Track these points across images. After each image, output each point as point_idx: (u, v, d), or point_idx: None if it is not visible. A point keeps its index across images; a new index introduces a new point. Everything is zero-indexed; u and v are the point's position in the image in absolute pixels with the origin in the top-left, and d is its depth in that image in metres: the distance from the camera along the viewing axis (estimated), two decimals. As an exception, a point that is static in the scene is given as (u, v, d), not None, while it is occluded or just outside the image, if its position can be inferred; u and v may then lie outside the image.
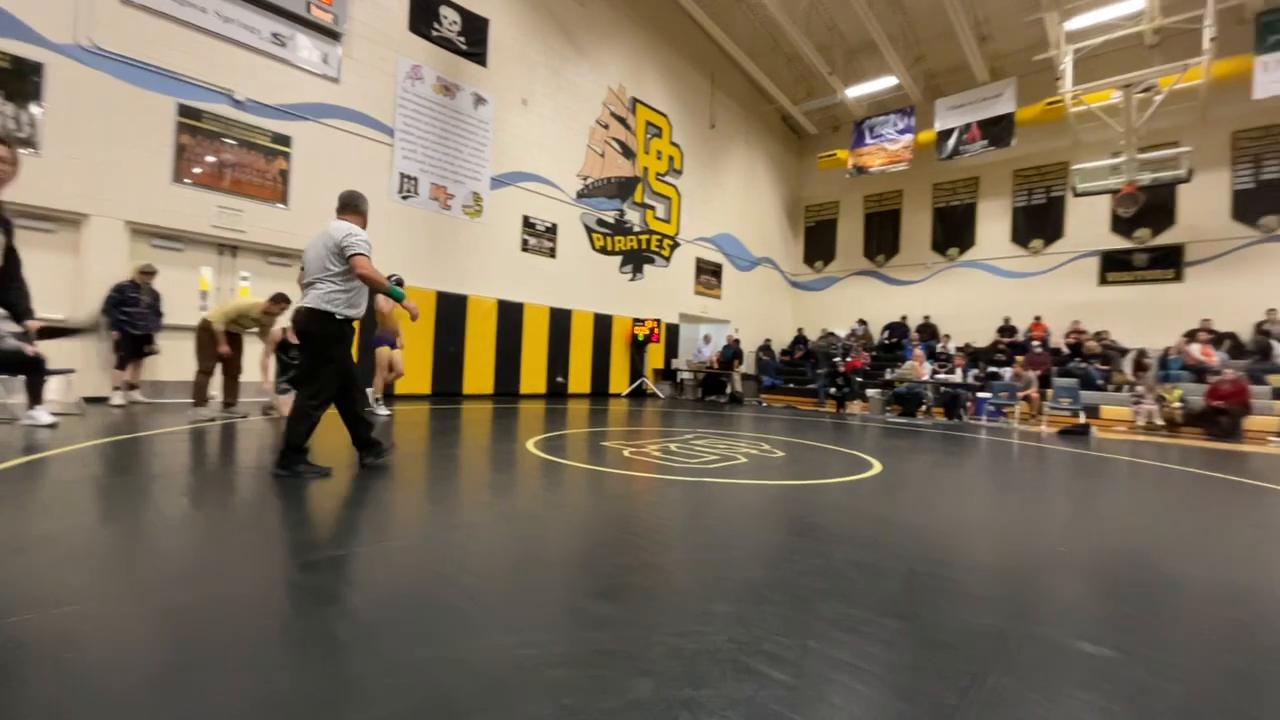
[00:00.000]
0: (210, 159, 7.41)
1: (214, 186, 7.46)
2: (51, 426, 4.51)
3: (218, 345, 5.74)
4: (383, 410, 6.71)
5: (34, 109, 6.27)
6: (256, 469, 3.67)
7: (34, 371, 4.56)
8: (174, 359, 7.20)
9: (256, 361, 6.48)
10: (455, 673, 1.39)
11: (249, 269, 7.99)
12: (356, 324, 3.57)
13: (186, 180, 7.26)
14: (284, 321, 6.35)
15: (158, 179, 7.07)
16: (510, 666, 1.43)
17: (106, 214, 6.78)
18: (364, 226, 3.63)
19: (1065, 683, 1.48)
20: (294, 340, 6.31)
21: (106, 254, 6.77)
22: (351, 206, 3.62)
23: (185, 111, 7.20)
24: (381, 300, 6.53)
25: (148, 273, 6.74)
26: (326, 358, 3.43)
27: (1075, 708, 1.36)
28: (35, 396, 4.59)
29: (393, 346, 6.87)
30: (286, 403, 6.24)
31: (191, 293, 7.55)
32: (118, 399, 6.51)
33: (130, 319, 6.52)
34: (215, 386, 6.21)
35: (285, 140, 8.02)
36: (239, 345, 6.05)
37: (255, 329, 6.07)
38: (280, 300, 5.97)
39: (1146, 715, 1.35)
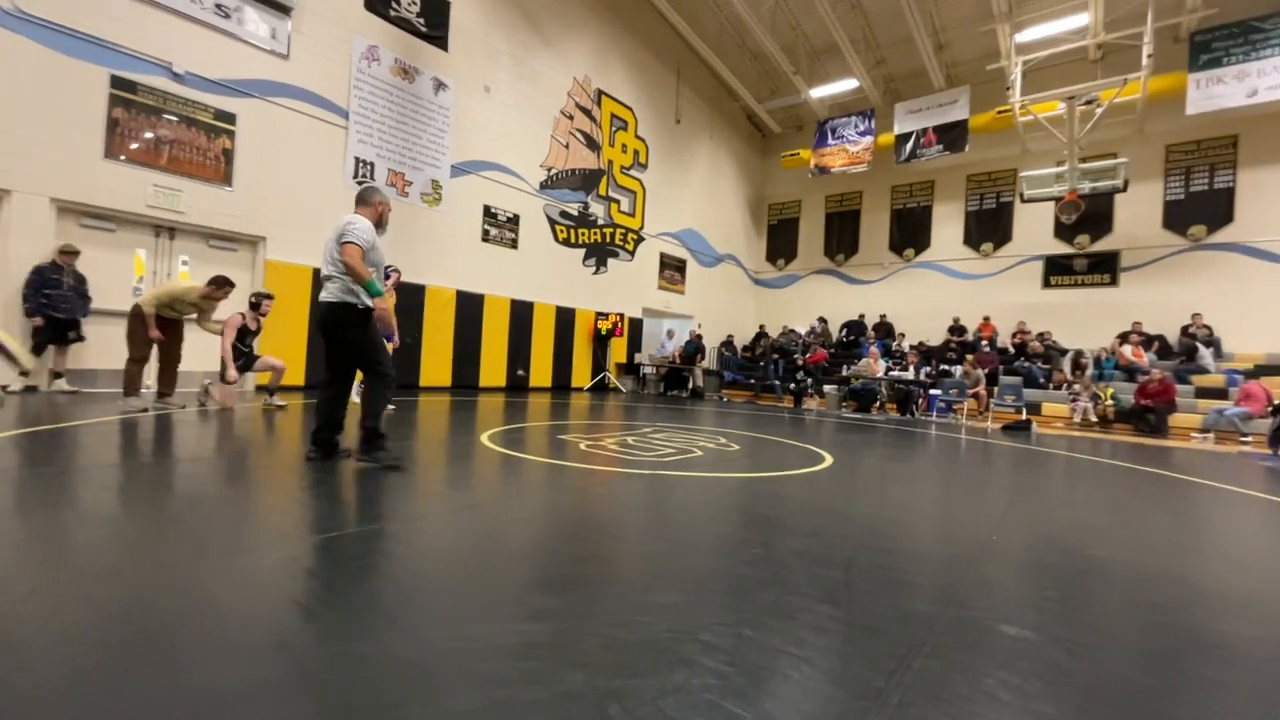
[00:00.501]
0: (146, 134, 7.00)
1: (150, 164, 7.06)
2: None
3: (148, 332, 5.40)
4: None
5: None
6: (191, 461, 3.50)
7: None
8: (106, 346, 6.81)
9: (194, 351, 6.20)
10: (381, 668, 1.35)
11: (189, 253, 7.59)
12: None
13: (120, 157, 6.84)
14: (232, 306, 6.08)
15: (87, 154, 6.64)
16: (440, 660, 1.40)
17: (30, 190, 6.33)
18: (376, 218, 3.62)
19: (985, 663, 1.54)
20: (252, 327, 6.06)
21: (30, 233, 6.33)
22: (362, 200, 3.66)
23: (118, 83, 6.78)
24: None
25: (69, 253, 6.32)
26: (362, 345, 3.52)
27: (992, 686, 1.42)
28: None
29: (388, 340, 6.69)
30: (230, 393, 5.97)
31: (125, 276, 7.13)
32: (15, 386, 6.13)
33: (52, 302, 6.12)
34: (151, 376, 5.89)
35: (229, 118, 7.64)
36: (178, 333, 5.72)
37: (193, 314, 5.76)
38: (222, 284, 5.67)
39: (1058, 691, 1.42)
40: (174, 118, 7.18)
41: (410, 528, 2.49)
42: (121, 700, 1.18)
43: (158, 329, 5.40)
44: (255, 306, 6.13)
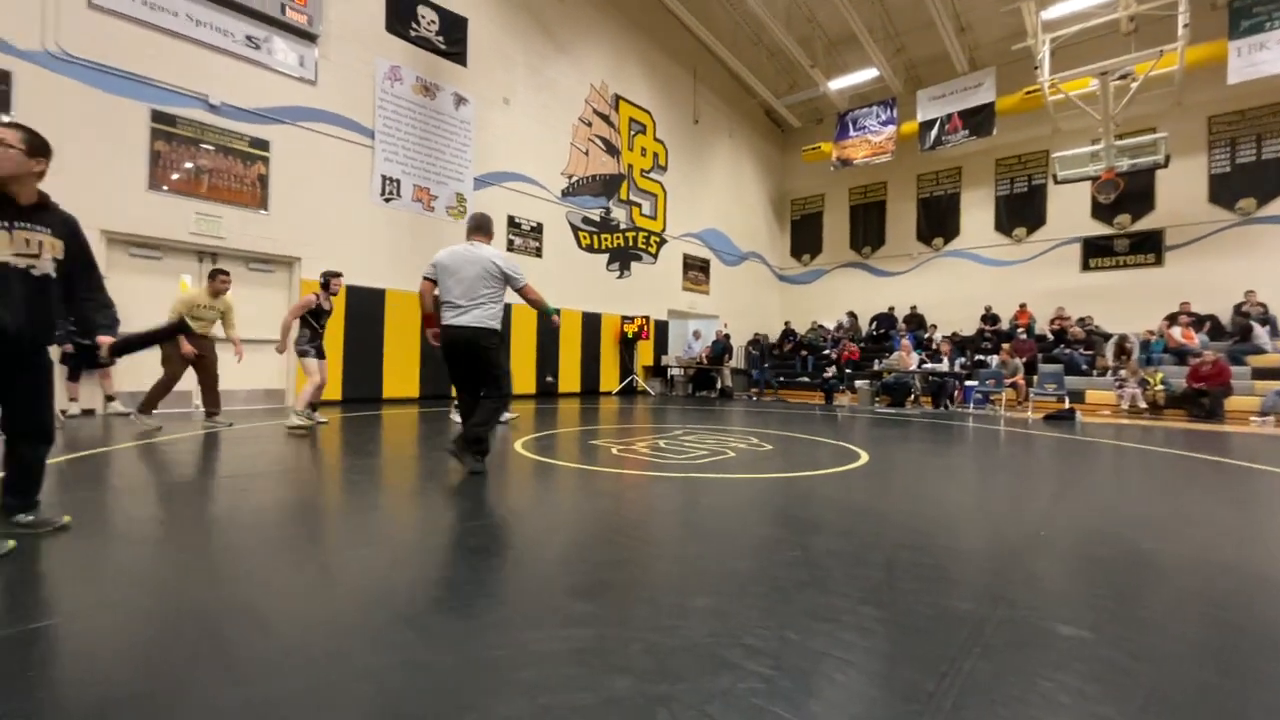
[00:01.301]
0: (186, 165, 7.31)
1: (191, 193, 7.36)
2: None
3: (181, 349, 5.50)
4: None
5: (2, 117, 6.15)
6: (228, 478, 3.63)
7: None
8: (159, 369, 7.13)
9: (242, 371, 6.40)
10: (423, 676, 1.38)
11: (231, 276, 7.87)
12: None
13: (163, 187, 7.16)
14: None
15: (133, 186, 6.96)
16: (482, 667, 1.42)
17: (82, 224, 6.64)
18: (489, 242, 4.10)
19: (1040, 665, 1.49)
20: (326, 306, 6.11)
21: (82, 264, 6.65)
22: (485, 229, 4.09)
23: (159, 117, 7.10)
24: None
25: None
26: (501, 366, 3.92)
27: (1049, 689, 1.38)
28: None
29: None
30: (320, 367, 6.06)
31: (173, 301, 7.42)
32: (74, 409, 6.43)
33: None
34: (197, 397, 6.10)
35: (263, 144, 7.92)
36: (211, 350, 5.84)
37: (217, 318, 5.88)
38: (216, 275, 5.83)
39: (1118, 694, 1.37)
40: (211, 147, 7.48)
41: (447, 538, 2.54)
42: (161, 713, 1.23)
43: (190, 346, 5.55)
44: (325, 286, 6.14)
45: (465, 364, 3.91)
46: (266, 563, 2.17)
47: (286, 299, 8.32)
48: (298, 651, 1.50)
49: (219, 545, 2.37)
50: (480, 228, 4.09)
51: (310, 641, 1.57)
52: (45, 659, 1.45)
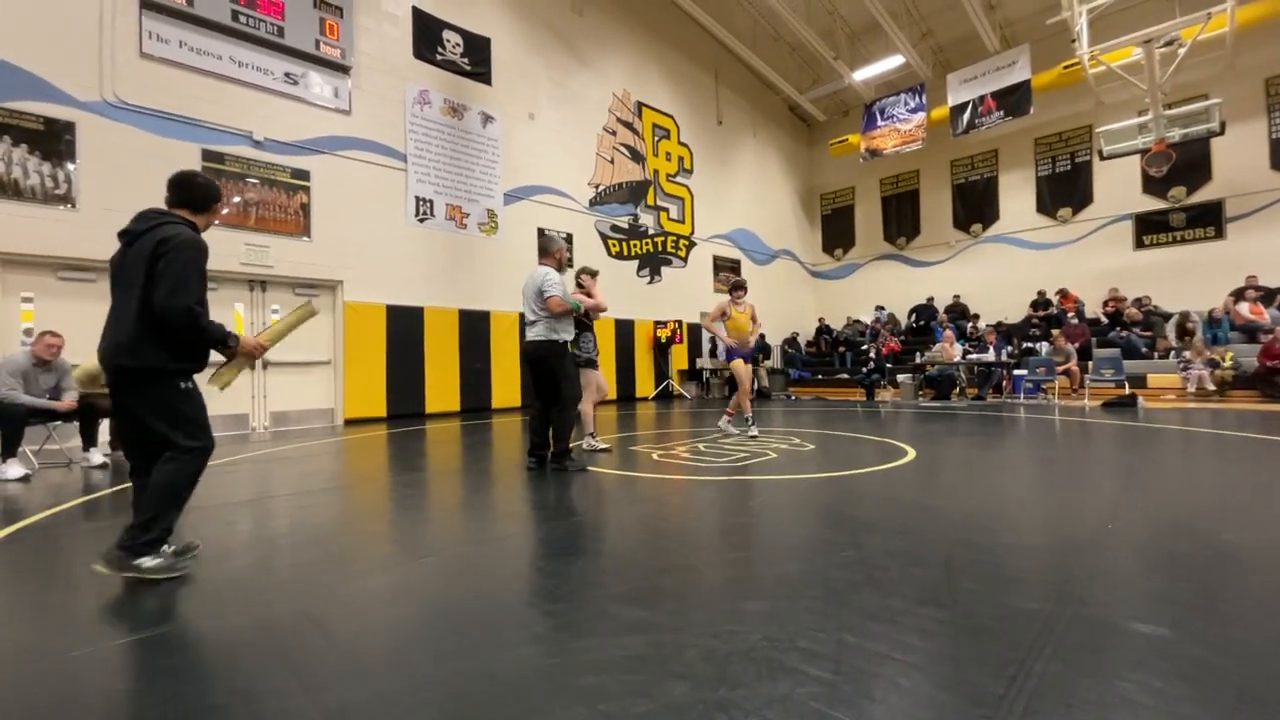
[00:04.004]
0: (235, 199, 7.68)
1: (241, 225, 7.73)
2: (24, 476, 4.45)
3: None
4: (753, 430, 6.05)
5: (69, 166, 6.60)
6: (289, 495, 3.77)
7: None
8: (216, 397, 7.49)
9: (293, 391, 6.59)
10: (485, 684, 1.40)
11: (278, 302, 8.24)
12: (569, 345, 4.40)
13: (215, 222, 7.52)
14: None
15: (187, 223, 7.34)
16: (541, 675, 1.44)
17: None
18: (558, 264, 4.37)
19: (1118, 664, 1.42)
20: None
21: (145, 298, 7.06)
22: (544, 251, 4.45)
23: (209, 156, 7.48)
24: (725, 308, 6.02)
25: None
26: (563, 372, 4.25)
27: (1129, 690, 1.31)
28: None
29: (746, 360, 6.11)
30: (596, 384, 5.44)
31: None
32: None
33: None
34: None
35: (304, 175, 8.26)
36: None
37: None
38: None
39: (1205, 694, 1.29)
40: (257, 181, 7.85)
41: (495, 547, 2.58)
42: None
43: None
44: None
45: (534, 373, 4.33)
46: (331, 576, 2.25)
47: (331, 321, 8.64)
48: (365, 661, 1.55)
49: (282, 561, 2.46)
50: (540, 250, 4.48)
51: (376, 651, 1.61)
52: (128, 674, 1.54)
